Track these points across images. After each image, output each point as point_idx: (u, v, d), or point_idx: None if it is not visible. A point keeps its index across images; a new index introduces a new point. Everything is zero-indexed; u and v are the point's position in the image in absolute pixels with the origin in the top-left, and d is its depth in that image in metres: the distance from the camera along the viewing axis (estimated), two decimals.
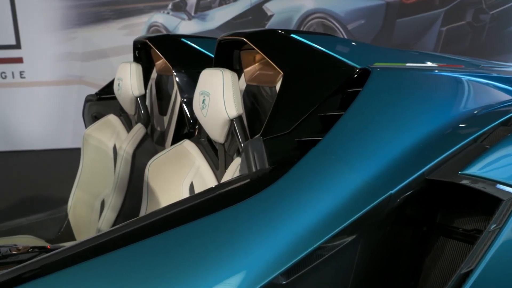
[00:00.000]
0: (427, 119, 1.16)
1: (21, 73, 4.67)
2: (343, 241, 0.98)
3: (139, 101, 2.06)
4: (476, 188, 1.01)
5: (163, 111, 2.24)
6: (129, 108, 2.13)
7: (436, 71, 1.42)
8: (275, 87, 1.49)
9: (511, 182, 1.02)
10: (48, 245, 1.37)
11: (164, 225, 0.93)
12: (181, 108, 1.96)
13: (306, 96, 1.22)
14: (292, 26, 4.55)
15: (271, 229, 0.92)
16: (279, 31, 1.46)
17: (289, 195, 0.98)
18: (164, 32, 4.66)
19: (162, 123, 2.22)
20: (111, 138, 2.20)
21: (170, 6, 4.69)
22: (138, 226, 0.95)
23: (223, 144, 1.45)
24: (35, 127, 4.75)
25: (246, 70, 1.63)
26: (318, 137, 1.10)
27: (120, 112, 2.31)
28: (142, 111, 2.06)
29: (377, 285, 1.12)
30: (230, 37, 1.53)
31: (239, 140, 1.35)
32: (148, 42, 2.11)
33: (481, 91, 1.35)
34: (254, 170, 1.08)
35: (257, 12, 4.61)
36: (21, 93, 4.71)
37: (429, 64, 1.53)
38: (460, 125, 1.17)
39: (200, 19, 4.70)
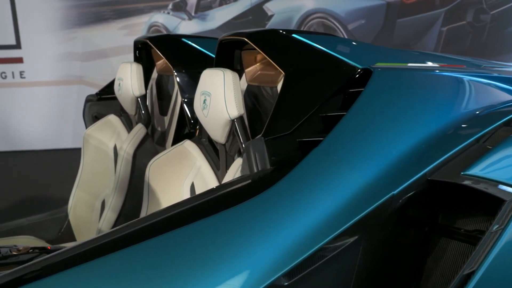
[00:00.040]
0: (429, 120, 1.16)
1: (21, 73, 4.67)
2: (345, 242, 0.98)
3: (139, 101, 2.06)
4: (478, 188, 1.00)
5: (163, 111, 2.23)
6: (130, 108, 2.12)
7: (438, 71, 1.42)
8: (276, 87, 1.49)
9: None
10: (48, 246, 1.37)
11: (165, 226, 0.92)
12: (181, 108, 1.96)
13: (308, 96, 1.22)
14: (292, 26, 4.55)
15: (273, 230, 0.92)
16: (280, 31, 1.46)
17: (290, 196, 0.98)
18: (165, 32, 4.66)
19: (163, 123, 2.21)
20: (112, 138, 2.19)
21: (170, 6, 4.69)
22: (140, 227, 0.95)
23: (224, 145, 1.45)
24: (35, 127, 4.75)
25: (247, 70, 1.63)
26: (320, 138, 1.10)
27: (121, 112, 2.31)
28: (143, 111, 2.06)
29: (379, 286, 1.12)
30: (231, 37, 1.53)
31: (240, 140, 1.35)
32: (149, 42, 2.10)
33: (483, 91, 1.35)
34: (255, 170, 1.07)
35: (257, 12, 4.61)
36: (21, 93, 4.71)
37: (430, 64, 1.52)
38: (462, 125, 1.17)
39: (201, 19, 4.70)
